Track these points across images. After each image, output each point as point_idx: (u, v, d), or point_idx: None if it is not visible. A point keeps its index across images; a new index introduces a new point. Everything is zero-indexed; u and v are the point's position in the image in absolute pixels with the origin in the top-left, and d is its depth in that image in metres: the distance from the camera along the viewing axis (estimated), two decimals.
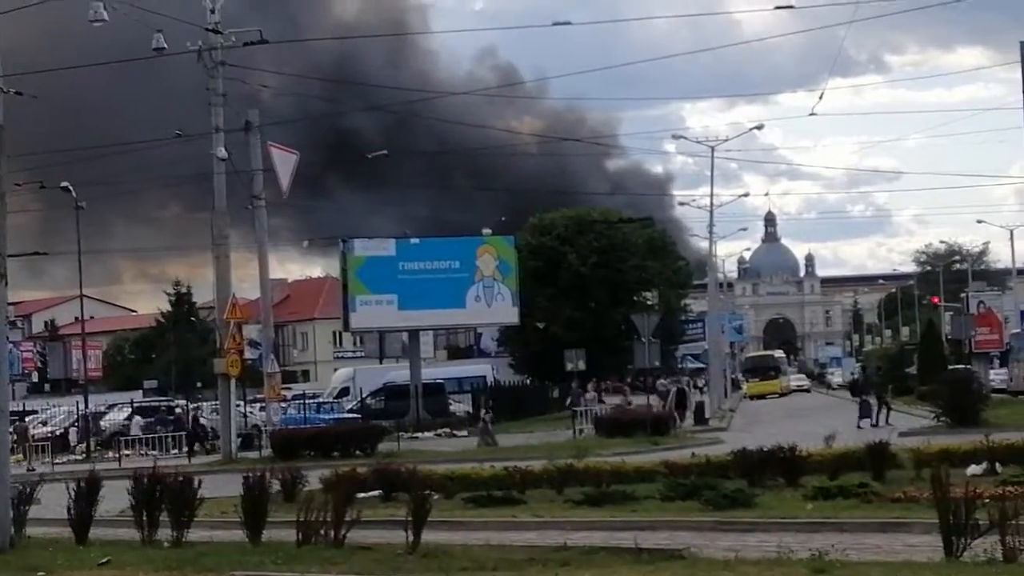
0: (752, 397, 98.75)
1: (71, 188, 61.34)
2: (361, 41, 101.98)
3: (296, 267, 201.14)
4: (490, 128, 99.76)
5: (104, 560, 17.80)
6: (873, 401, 53.59)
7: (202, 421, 58.57)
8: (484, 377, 75.34)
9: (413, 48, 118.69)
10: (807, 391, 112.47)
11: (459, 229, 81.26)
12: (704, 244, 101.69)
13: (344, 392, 77.14)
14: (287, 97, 63.03)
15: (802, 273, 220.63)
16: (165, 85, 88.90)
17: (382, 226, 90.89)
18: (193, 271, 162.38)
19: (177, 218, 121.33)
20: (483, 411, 53.68)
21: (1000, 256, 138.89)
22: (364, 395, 68.96)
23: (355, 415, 60.65)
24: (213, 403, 56.83)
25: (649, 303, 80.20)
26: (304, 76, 71.17)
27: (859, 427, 47.39)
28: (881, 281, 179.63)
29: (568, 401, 57.91)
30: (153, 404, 67.97)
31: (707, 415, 61.51)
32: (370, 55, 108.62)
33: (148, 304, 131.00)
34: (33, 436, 56.18)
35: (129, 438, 54.28)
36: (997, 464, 25.39)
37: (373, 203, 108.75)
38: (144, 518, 19.86)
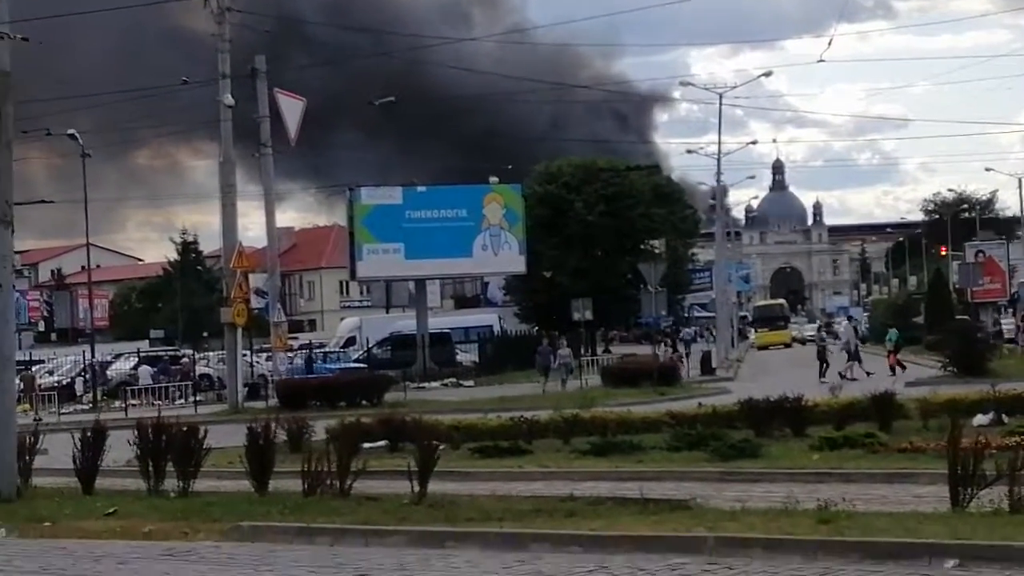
0: (760, 347, 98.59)
1: (77, 136, 61.19)
2: None
3: (298, 215, 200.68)
4: (489, 74, 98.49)
5: (111, 510, 17.80)
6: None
7: (208, 370, 58.65)
8: (491, 327, 75.28)
9: None
10: None
11: (450, 178, 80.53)
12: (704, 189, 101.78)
13: (351, 342, 77.14)
14: (290, 43, 62.75)
15: (810, 222, 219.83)
16: (171, 32, 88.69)
17: (379, 174, 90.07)
18: (199, 219, 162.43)
19: (183, 166, 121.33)
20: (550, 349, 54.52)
21: (1009, 204, 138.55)
22: (370, 345, 68.97)
23: (361, 365, 60.71)
24: (220, 352, 56.86)
25: (656, 252, 79.92)
26: (303, 20, 70.59)
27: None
28: (889, 230, 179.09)
29: (536, 362, 54.39)
30: (159, 353, 68.11)
31: (714, 365, 61.57)
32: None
33: (154, 252, 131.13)
34: (40, 386, 56.38)
35: (136, 388, 54.33)
36: (1004, 414, 25.37)
37: (372, 152, 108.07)
38: (150, 468, 19.86)
